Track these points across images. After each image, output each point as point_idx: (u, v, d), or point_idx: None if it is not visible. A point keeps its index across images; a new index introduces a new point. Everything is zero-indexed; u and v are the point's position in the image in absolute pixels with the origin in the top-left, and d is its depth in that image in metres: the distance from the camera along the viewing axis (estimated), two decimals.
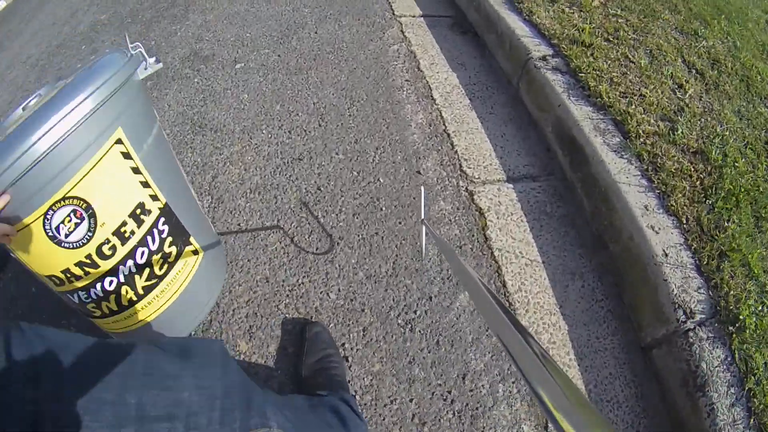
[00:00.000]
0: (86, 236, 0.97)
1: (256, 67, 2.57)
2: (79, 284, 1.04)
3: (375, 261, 1.65)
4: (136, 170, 1.03)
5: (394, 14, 2.77)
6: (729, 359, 1.22)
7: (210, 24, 3.11)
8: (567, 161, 1.84)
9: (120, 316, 1.16)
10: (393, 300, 1.55)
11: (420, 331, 1.47)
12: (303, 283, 1.61)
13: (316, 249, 1.70)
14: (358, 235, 1.73)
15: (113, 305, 1.12)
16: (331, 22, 2.79)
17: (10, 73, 3.47)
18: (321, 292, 1.58)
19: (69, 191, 0.90)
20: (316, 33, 2.72)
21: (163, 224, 1.14)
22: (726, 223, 1.46)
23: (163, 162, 1.17)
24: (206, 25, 3.11)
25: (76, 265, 0.99)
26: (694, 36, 2.22)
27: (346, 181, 1.90)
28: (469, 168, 1.90)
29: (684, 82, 1.93)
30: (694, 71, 2.02)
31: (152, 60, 2.68)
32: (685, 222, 1.47)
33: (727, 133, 1.74)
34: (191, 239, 1.27)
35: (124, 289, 1.10)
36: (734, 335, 1.24)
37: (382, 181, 1.88)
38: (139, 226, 1.07)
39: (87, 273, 1.02)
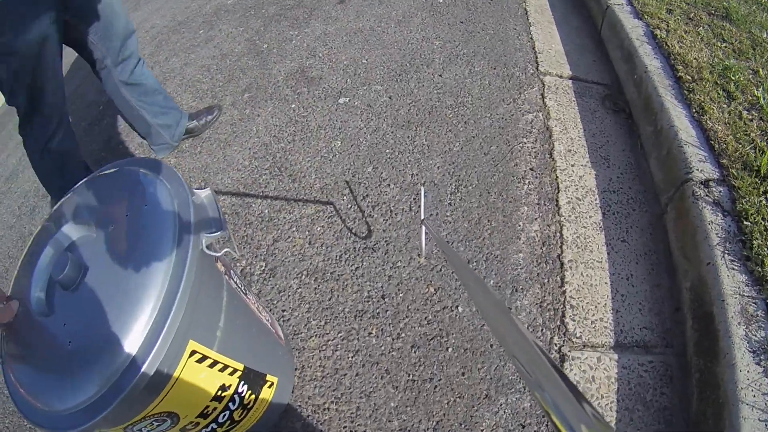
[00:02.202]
0: (168, 427, 0.98)
1: (361, 107, 2.27)
2: None
3: (416, 413, 1.34)
4: (213, 364, 1.01)
5: (538, 69, 2.33)
6: None
7: (328, 37, 2.86)
8: (694, 339, 1.37)
9: None
10: None
11: None
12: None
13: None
14: (408, 376, 1.40)
15: None
16: (461, 65, 2.41)
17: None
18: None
19: (151, 411, 0.89)
20: (440, 76, 2.36)
21: (243, 386, 1.14)
22: None
23: (236, 330, 1.13)
24: (324, 38, 2.87)
25: None
26: None
27: (417, 297, 1.56)
28: (573, 320, 1.48)
29: None
30: None
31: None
32: None
33: None
34: (267, 377, 1.26)
35: None
36: None
37: (460, 310, 1.52)
38: (220, 402, 1.08)
39: None
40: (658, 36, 2.16)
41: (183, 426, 1.02)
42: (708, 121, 1.77)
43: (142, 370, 0.80)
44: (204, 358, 0.98)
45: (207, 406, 1.05)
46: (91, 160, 2.30)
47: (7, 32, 1.52)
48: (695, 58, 2.01)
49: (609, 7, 2.47)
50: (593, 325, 1.48)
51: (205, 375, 1.00)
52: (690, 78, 1.93)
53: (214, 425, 1.11)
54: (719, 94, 1.86)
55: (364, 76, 2.46)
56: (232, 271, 1.18)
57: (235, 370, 1.11)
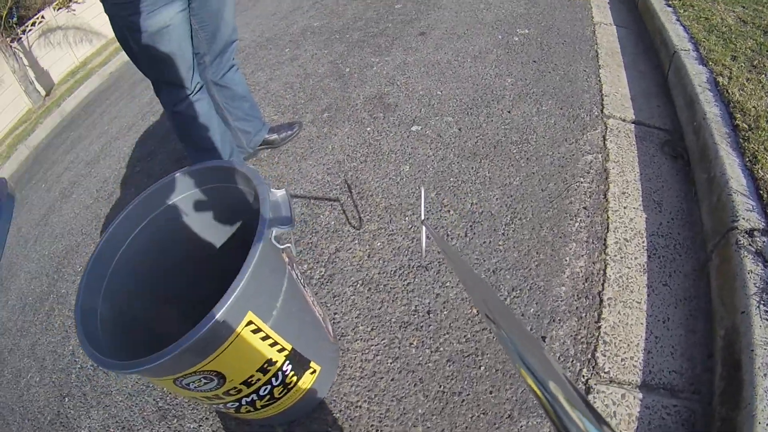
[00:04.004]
0: (214, 387, 1.14)
1: (432, 136, 2.52)
2: (205, 403, 1.27)
3: (440, 422, 1.50)
4: (265, 338, 1.17)
5: (602, 111, 2.50)
6: None
7: (407, 67, 3.13)
8: (721, 388, 1.47)
9: (240, 416, 1.40)
10: None
11: None
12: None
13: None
14: (439, 387, 1.59)
15: (232, 412, 1.34)
16: (529, 103, 2.61)
17: None
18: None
19: (202, 367, 1.06)
20: (509, 113, 2.57)
21: (287, 365, 1.29)
22: None
23: (291, 314, 1.30)
24: (403, 68, 3.14)
25: (203, 397, 1.19)
26: None
27: (460, 316, 1.77)
28: (604, 355, 1.63)
29: None
30: None
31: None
32: None
33: None
34: (311, 363, 1.41)
35: (243, 408, 1.30)
36: None
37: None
38: (264, 374, 1.23)
39: (212, 400, 1.22)
40: (720, 83, 2.28)
41: (227, 389, 1.17)
42: (759, 171, 1.87)
43: (206, 327, 0.96)
44: (258, 330, 1.13)
45: (252, 376, 1.19)
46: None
47: (141, 12, 1.80)
48: (754, 107, 2.12)
49: (676, 52, 2.61)
50: (623, 363, 1.63)
51: (256, 346, 1.15)
52: (746, 126, 2.04)
53: (254, 396, 1.26)
54: None
55: (438, 107, 2.70)
56: (295, 265, 1.40)
57: (283, 348, 1.25)
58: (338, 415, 1.59)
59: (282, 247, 1.20)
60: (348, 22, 4.11)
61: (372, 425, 1.54)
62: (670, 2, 3.14)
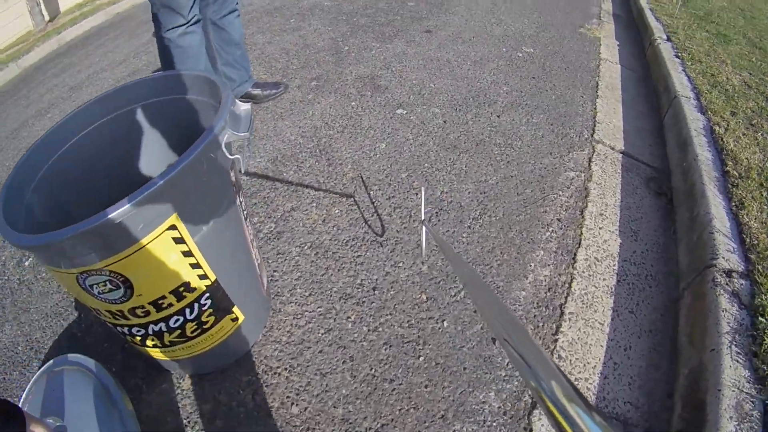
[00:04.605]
0: (120, 299, 1.00)
1: (415, 122, 2.42)
2: (109, 321, 1.11)
3: (364, 408, 1.34)
4: (187, 253, 1.03)
5: (592, 136, 2.44)
6: None
7: (406, 57, 3.06)
8: (679, 427, 1.38)
9: (146, 351, 1.24)
10: None
11: None
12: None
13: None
14: (371, 370, 1.44)
15: (138, 342, 1.19)
16: (521, 113, 2.54)
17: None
18: None
19: (108, 265, 0.92)
20: (498, 117, 2.49)
21: (206, 299, 1.16)
22: None
23: (224, 240, 1.16)
24: (402, 56, 3.07)
25: (106, 310, 1.05)
26: None
27: (407, 299, 1.62)
28: None
29: None
30: None
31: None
32: None
33: None
34: (234, 309, 1.27)
35: (149, 339, 1.16)
36: None
37: (445, 325, 1.56)
38: (179, 301, 1.09)
39: (117, 318, 1.07)
40: (716, 132, 2.26)
41: (133, 306, 1.03)
42: (745, 216, 1.83)
43: (117, 211, 0.83)
44: (181, 240, 1.00)
45: (164, 297, 1.05)
46: None
47: None
48: (747, 158, 2.09)
49: (676, 97, 2.59)
50: (576, 383, 1.52)
51: (174, 260, 1.01)
52: (737, 174, 2.01)
53: (163, 325, 1.12)
54: (762, 195, 1.93)
55: (427, 97, 2.62)
56: (241, 192, 1.26)
57: (205, 276, 1.11)
58: (254, 378, 1.42)
59: (231, 157, 1.06)
60: (358, 8, 4.06)
61: (288, 396, 1.37)
62: (679, 54, 3.15)
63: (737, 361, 1.39)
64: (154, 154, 1.42)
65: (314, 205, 1.97)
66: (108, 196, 1.22)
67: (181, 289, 1.06)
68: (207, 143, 0.95)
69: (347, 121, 2.46)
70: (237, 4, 2.33)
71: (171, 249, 0.99)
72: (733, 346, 1.43)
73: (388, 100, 2.60)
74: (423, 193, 1.23)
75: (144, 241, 0.92)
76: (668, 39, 3.49)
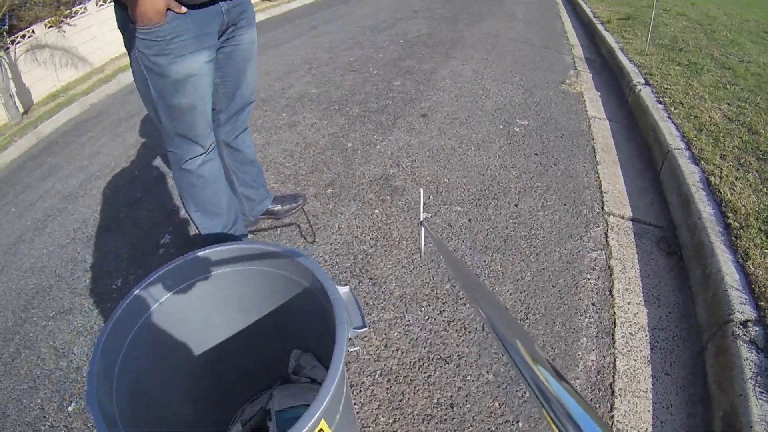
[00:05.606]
0: None
1: (442, 225, 2.67)
2: None
3: None
4: None
5: (603, 209, 2.72)
6: None
7: (412, 149, 3.31)
8: None
9: None
10: None
11: None
12: None
13: None
14: None
15: None
16: (535, 197, 2.81)
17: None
18: None
19: None
20: (516, 206, 2.76)
21: None
22: None
23: (347, 421, 1.21)
24: (407, 150, 3.31)
25: None
26: None
27: (483, 409, 1.85)
28: None
29: None
30: None
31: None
32: None
33: None
34: None
35: None
36: None
37: (520, 425, 1.80)
38: None
39: None
40: (712, 182, 2.59)
41: None
42: (750, 266, 2.11)
43: None
44: None
45: None
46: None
47: (168, 54, 1.67)
48: (743, 205, 2.41)
49: (670, 151, 2.89)
50: None
51: None
52: (738, 225, 2.31)
53: None
54: (762, 240, 2.24)
55: (446, 195, 2.87)
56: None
57: None
58: None
59: (352, 350, 1.14)
60: (346, 94, 4.30)
61: None
62: (661, 99, 3.46)
63: (762, 400, 1.67)
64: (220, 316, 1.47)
65: (371, 330, 2.19)
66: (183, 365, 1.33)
67: None
68: (342, 354, 1.02)
69: (376, 232, 2.68)
70: (246, 123, 2.33)
71: None
72: (756, 388, 1.71)
73: (409, 203, 2.84)
74: (422, 195, 1.35)
75: None
76: (646, 83, 3.81)
